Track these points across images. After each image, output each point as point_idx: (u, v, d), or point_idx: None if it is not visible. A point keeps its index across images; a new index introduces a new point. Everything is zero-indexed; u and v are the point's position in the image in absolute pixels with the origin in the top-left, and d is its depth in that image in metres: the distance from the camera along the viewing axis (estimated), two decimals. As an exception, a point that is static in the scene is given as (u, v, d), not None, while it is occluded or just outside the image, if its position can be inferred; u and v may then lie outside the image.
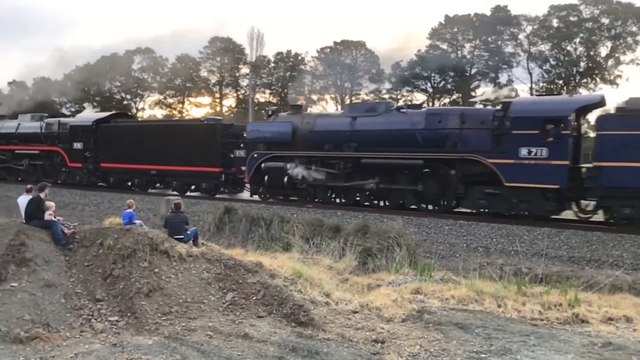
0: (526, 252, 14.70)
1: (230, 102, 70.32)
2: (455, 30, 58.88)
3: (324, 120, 21.63)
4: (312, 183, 20.98)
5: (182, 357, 6.43)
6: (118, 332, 7.44)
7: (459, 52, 59.53)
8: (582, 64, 53.08)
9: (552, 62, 54.54)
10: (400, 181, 19.23)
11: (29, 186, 10.73)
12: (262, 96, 69.13)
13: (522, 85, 55.37)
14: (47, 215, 9.44)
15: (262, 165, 21.82)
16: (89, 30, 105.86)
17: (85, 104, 66.37)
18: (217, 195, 24.27)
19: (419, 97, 61.62)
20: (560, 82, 53.60)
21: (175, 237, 9.61)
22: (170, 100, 69.88)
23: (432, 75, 59.88)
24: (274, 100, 66.26)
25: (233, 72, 68.91)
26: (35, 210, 9.42)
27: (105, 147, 27.31)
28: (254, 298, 8.38)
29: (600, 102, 17.83)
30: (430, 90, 60.91)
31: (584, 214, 17.24)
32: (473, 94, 57.25)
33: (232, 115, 64.73)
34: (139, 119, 31.74)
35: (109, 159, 27.14)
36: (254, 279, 8.69)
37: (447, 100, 60.89)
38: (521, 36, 55.61)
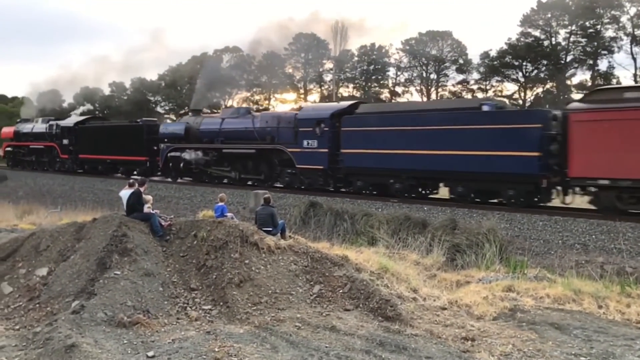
0: (630, 250, 13.72)
1: (314, 97, 71.20)
2: (549, 15, 55.81)
3: (206, 121, 28.83)
4: (198, 167, 28.19)
5: (271, 346, 6.57)
6: (211, 320, 7.74)
7: (553, 38, 56.42)
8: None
9: (660, 45, 50.37)
10: (247, 165, 26.33)
11: (131, 180, 11.40)
12: (346, 90, 69.35)
13: (625, 72, 51.55)
14: (146, 208, 10.02)
15: (168, 154, 29.35)
16: (181, 31, 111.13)
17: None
18: (153, 178, 29.93)
19: (509, 87, 59.23)
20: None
21: (264, 229, 9.88)
22: (256, 97, 71.85)
23: (524, 64, 57.22)
24: (357, 94, 66.21)
25: (317, 68, 69.62)
26: (136, 203, 10.01)
27: (81, 142, 35.80)
28: (341, 291, 8.42)
29: (348, 109, 23.06)
30: (522, 79, 58.25)
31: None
32: (568, 82, 54.12)
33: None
34: (103, 122, 40.51)
35: (84, 151, 35.57)
36: (340, 273, 8.73)
37: (540, 90, 58.01)
38: (624, 19, 51.78)
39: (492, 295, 8.95)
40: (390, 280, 9.35)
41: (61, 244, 9.53)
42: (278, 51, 65.32)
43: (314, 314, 7.81)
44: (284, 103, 71.88)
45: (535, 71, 57.48)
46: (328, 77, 69.54)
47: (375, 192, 21.93)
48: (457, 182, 19.53)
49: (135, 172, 30.90)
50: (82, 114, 53.31)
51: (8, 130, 43.03)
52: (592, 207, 17.33)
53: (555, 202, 18.38)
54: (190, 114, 32.05)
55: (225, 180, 27.41)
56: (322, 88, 70.68)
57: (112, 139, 33.34)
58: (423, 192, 21.23)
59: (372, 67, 66.57)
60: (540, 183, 17.30)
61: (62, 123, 37.44)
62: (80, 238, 9.49)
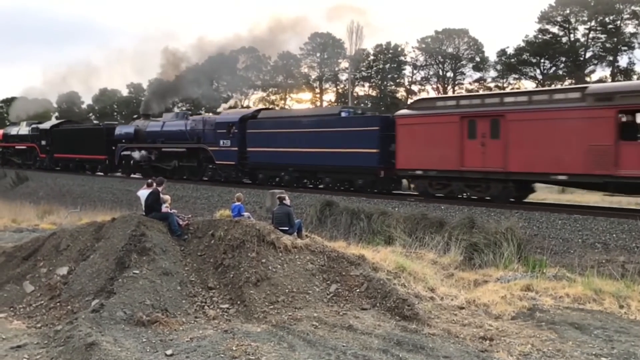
0: (653, 249, 13.48)
1: (330, 96, 71.20)
2: (568, 11, 55.10)
3: (151, 124, 32.59)
4: (145, 164, 31.83)
5: (289, 345, 6.59)
6: (229, 319, 7.79)
7: (572, 35, 55.69)
8: None
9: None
10: (182, 161, 30.24)
11: (149, 180, 11.50)
12: (362, 89, 69.23)
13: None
14: (164, 208, 10.11)
15: (122, 153, 33.27)
16: (196, 32, 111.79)
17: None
18: (132, 175, 33.81)
19: (526, 85, 58.64)
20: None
21: (281, 228, 9.89)
22: (272, 97, 72.04)
23: (542, 61, 56.57)
24: (374, 94, 66.09)
25: (333, 67, 69.58)
26: (154, 202, 10.10)
27: (56, 143, 39.79)
28: (358, 290, 8.41)
29: (252, 115, 27.64)
30: (540, 77, 57.60)
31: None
32: (588, 79, 53.36)
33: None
34: (73, 125, 43.64)
35: (58, 151, 39.54)
36: (357, 272, 8.72)
37: (559, 86, 57.28)
38: (644, 14, 50.89)
39: (510, 295, 8.86)
40: (407, 279, 9.31)
41: (81, 244, 9.67)
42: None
43: (331, 313, 7.81)
44: (299, 103, 72.01)
45: (554, 68, 56.83)
46: (344, 77, 69.50)
47: (274, 183, 25.95)
48: (325, 174, 24.20)
49: (99, 167, 36.75)
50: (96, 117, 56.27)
51: None
52: (512, 199, 19.36)
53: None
54: (141, 118, 35.95)
55: (245, 180, 28.66)
56: (338, 87, 70.65)
57: (79, 140, 37.91)
58: (307, 182, 25.38)
59: (387, 65, 66.36)
60: (378, 174, 21.77)
61: (41, 126, 41.97)
62: (100, 238, 9.62)
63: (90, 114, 73.28)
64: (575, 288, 9.08)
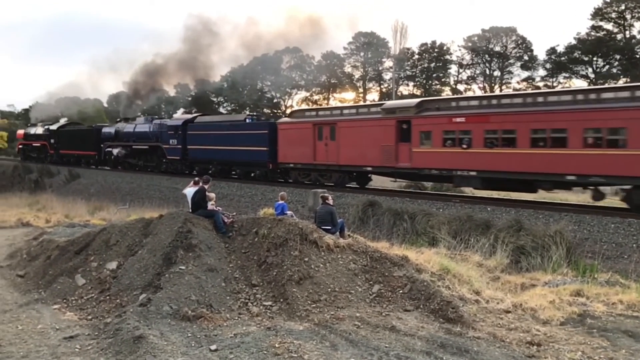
0: None
1: (373, 96, 70.82)
2: (623, 7, 53.03)
3: (127, 126, 38.67)
4: (121, 159, 38.89)
5: (331, 344, 6.58)
6: (272, 316, 7.85)
7: (627, 31, 53.56)
8: None
9: None
10: (147, 157, 37.05)
11: (196, 179, 11.73)
12: (406, 89, 68.57)
13: None
14: (210, 206, 10.28)
15: (106, 150, 40.33)
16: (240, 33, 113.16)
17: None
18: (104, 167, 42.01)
19: (578, 84, 56.78)
20: None
21: (323, 228, 9.90)
22: (315, 97, 72.25)
23: (594, 59, 54.64)
24: (418, 93, 65.34)
25: (376, 66, 69.20)
26: (200, 200, 10.30)
27: (61, 141, 46.61)
28: (401, 291, 8.33)
29: (192, 119, 34.17)
30: (592, 75, 55.65)
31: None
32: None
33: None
34: (74, 126, 49.98)
35: (63, 148, 46.53)
36: (400, 273, 8.64)
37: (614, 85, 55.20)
38: None
39: (559, 300, 8.59)
40: (451, 281, 9.16)
41: (129, 239, 9.95)
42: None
43: (374, 314, 7.76)
44: (342, 102, 71.90)
45: (607, 66, 54.79)
46: (387, 76, 69.02)
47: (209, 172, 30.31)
48: (237, 167, 30.81)
49: (92, 161, 43.33)
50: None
51: (20, 132, 55.75)
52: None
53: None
54: (122, 121, 41.99)
55: (282, 179, 30.44)
56: (382, 86, 70.24)
57: (77, 139, 45.01)
58: (231, 173, 31.33)
59: (433, 64, 65.52)
60: (268, 167, 28.16)
61: (51, 127, 48.94)
62: (148, 234, 9.88)
63: (139, 114, 75.28)
64: (629, 294, 8.72)
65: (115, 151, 39.09)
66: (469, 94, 61.78)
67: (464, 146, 19.63)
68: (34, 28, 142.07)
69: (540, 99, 18.74)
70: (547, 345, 6.77)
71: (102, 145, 41.08)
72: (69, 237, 11.72)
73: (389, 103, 25.20)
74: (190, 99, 76.85)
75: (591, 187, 18.38)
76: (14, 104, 74.71)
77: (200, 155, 32.25)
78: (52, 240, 11.67)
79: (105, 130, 41.71)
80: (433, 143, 20.72)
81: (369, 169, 23.55)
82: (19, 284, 10.00)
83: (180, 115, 41.89)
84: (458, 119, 20.05)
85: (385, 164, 22.21)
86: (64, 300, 8.80)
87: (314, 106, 60.34)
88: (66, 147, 46.07)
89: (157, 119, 38.66)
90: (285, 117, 30.33)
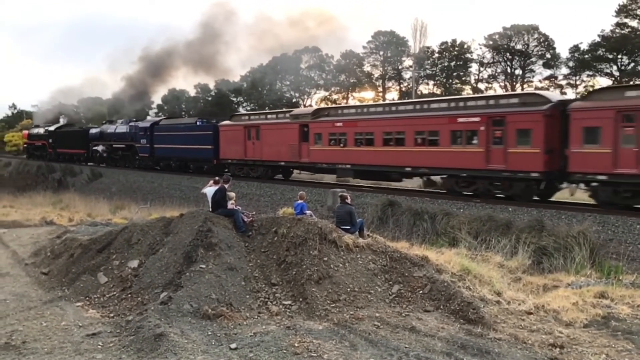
0: None
1: (393, 95, 70.52)
2: (648, 4, 51.92)
3: (110, 128, 44.92)
4: (105, 156, 45.20)
5: (350, 344, 6.57)
6: (291, 315, 7.86)
7: (653, 28, 52.41)
8: None
9: None
10: (124, 155, 43.00)
11: (216, 178, 11.80)
12: (426, 88, 68.10)
13: None
14: (230, 205, 10.33)
15: (93, 148, 46.63)
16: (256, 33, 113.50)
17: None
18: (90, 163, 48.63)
19: (601, 82, 55.82)
20: None
21: (342, 227, 9.88)
22: (335, 97, 72.16)
23: (619, 56, 53.62)
24: (438, 92, 64.84)
25: (396, 65, 68.85)
26: (221, 199, 10.35)
27: (57, 141, 52.65)
28: (420, 292, 8.27)
29: (159, 122, 40.54)
30: (617, 73, 54.59)
31: None
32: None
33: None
34: (69, 127, 55.56)
35: (59, 147, 52.29)
36: (420, 273, 8.58)
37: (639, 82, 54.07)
38: None
39: (582, 301, 8.46)
40: (472, 282, 9.07)
41: (151, 238, 10.05)
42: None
43: (393, 314, 7.73)
44: (362, 102, 71.71)
45: (633, 64, 53.69)
46: (407, 75, 68.64)
47: (179, 170, 37.57)
48: (190, 163, 36.33)
49: (82, 158, 49.16)
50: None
51: (25, 133, 62.90)
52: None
53: None
54: (107, 123, 47.89)
55: (301, 177, 32.91)
56: (401, 85, 69.84)
57: (71, 139, 51.03)
58: (188, 167, 36.83)
59: (453, 63, 64.96)
60: (212, 162, 33.59)
61: (50, 128, 55.11)
62: (168, 232, 9.97)
63: (159, 113, 75.92)
64: (656, 297, 8.54)
65: (99, 149, 45.80)
66: (490, 92, 61.17)
67: (342, 145, 25.60)
68: (54, 30, 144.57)
69: (393, 108, 25.03)
70: (570, 348, 6.67)
71: (90, 144, 47.38)
72: (92, 235, 11.87)
73: (296, 110, 32.31)
74: (210, 98, 77.38)
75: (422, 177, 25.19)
76: (37, 104, 76.24)
77: (164, 152, 38.19)
78: (75, 239, 11.84)
79: (92, 131, 48.25)
80: (323, 143, 26.77)
81: (282, 163, 29.64)
82: (43, 281, 10.16)
83: (152, 118, 49.64)
84: (338, 124, 26.17)
85: (293, 159, 28.55)
86: (87, 298, 8.92)
87: (331, 105, 60.54)
88: (62, 146, 52.15)
89: (133, 122, 43.55)
90: (227, 120, 35.74)
